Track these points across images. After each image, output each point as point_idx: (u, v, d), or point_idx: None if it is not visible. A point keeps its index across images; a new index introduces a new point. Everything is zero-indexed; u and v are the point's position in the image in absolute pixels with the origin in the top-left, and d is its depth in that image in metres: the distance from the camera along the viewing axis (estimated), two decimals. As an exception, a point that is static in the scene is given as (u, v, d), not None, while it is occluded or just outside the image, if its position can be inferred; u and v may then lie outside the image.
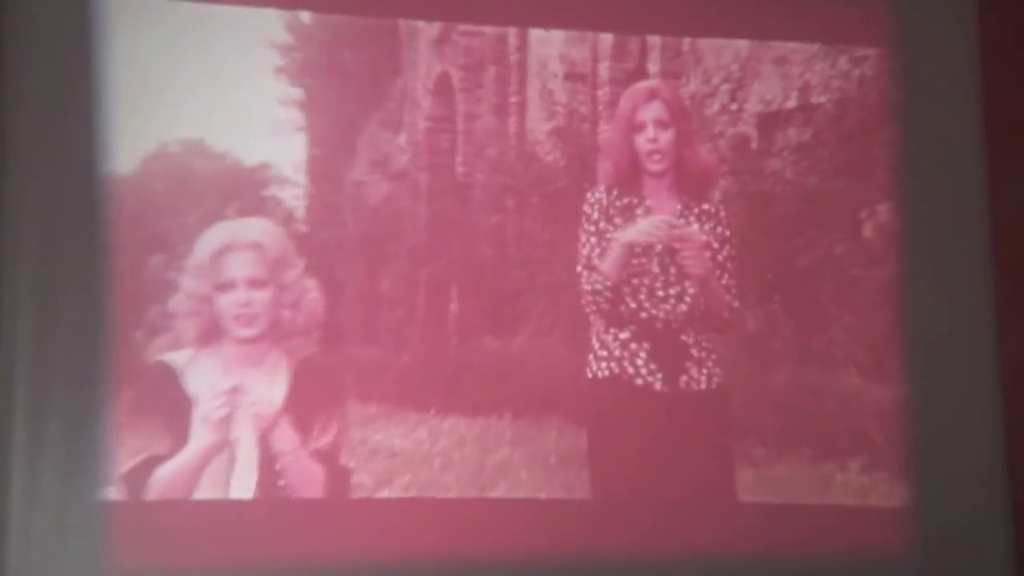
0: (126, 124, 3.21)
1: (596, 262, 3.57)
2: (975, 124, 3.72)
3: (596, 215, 3.59)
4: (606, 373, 3.52)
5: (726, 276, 3.59)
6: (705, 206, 3.62)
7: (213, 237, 3.19)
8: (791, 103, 3.62)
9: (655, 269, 3.60)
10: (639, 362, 3.53)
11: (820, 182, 3.60)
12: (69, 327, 3.21)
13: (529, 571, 3.38)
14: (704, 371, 3.58)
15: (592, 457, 3.50)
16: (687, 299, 3.59)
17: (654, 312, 3.57)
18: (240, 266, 3.17)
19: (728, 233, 3.61)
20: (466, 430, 3.40)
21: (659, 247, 3.61)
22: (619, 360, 3.53)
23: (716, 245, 3.60)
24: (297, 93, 3.42)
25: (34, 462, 3.19)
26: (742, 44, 3.62)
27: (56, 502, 3.16)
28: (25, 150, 3.23)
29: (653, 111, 3.59)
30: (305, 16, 3.39)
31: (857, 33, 3.73)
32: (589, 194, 3.59)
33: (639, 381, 3.52)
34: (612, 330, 3.55)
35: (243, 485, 3.19)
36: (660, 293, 3.58)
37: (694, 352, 3.57)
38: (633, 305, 3.57)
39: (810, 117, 3.63)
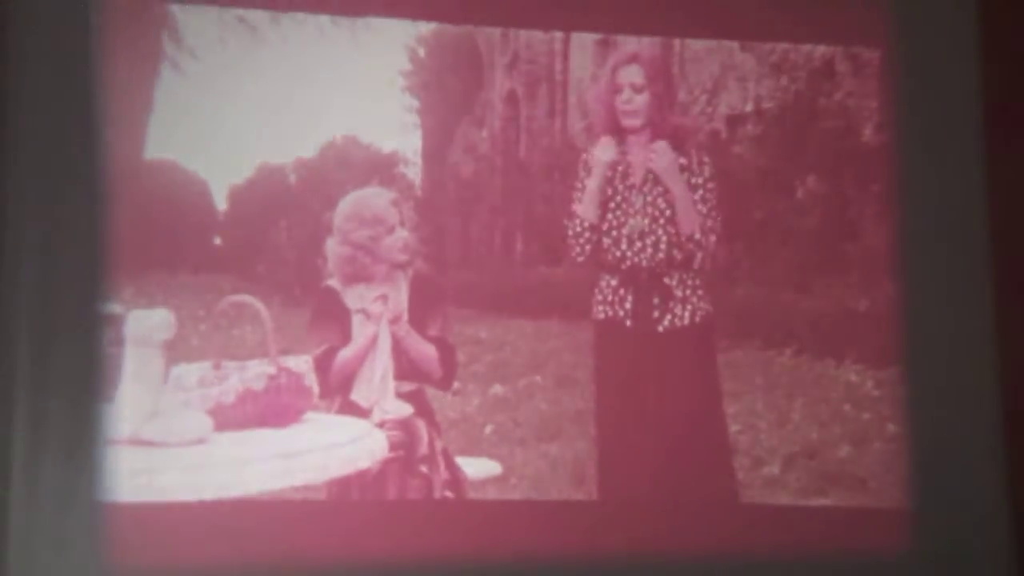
0: (307, 124, 3.62)
1: (575, 208, 3.72)
2: (975, 124, 3.63)
3: (580, 170, 3.74)
4: (602, 316, 3.72)
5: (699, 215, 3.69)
6: (682, 160, 3.70)
7: (363, 203, 3.61)
8: (748, 107, 3.91)
9: (634, 202, 3.65)
10: (627, 305, 3.67)
11: (767, 161, 3.90)
12: (69, 328, 3.13)
13: (532, 570, 3.40)
14: (688, 308, 3.66)
15: (596, 379, 3.69)
16: (662, 246, 3.66)
17: (636, 260, 3.66)
18: (393, 215, 3.62)
19: (700, 181, 3.68)
20: (528, 327, 3.88)
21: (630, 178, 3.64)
22: (611, 304, 3.69)
23: (689, 193, 3.69)
24: (416, 103, 3.87)
25: (34, 462, 3.04)
26: (715, 67, 3.83)
27: (56, 502, 3.03)
28: (27, 151, 3.16)
29: (630, 75, 3.66)
30: (421, 51, 3.80)
31: (858, 33, 3.78)
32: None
33: (628, 323, 3.68)
34: (606, 277, 3.69)
35: (383, 359, 3.60)
36: (638, 244, 3.66)
37: (677, 292, 3.65)
38: (617, 253, 3.67)
39: (761, 118, 3.91)
